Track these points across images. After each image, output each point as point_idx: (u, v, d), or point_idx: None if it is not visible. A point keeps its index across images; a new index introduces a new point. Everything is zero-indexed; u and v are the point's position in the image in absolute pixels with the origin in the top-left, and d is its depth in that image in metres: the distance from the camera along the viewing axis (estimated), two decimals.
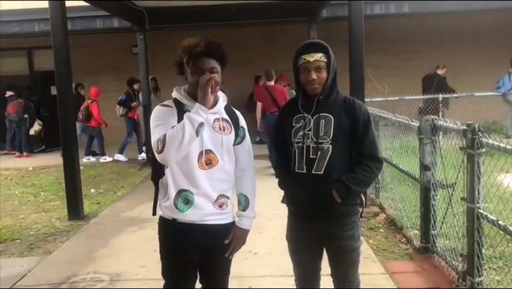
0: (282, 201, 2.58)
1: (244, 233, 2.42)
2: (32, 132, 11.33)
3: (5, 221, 5.96)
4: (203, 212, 2.26)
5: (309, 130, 2.35)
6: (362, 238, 2.53)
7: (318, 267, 2.58)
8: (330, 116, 2.33)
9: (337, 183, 2.29)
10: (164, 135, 2.08)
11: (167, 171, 2.25)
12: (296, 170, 2.39)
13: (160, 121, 2.19)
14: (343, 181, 2.29)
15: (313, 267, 2.57)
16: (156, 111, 2.25)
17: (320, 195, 2.32)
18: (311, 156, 2.34)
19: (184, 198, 2.23)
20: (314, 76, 2.31)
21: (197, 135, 2.11)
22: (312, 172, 2.34)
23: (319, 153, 2.32)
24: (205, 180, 2.24)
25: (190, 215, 2.25)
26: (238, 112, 2.44)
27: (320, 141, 2.32)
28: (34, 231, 5.54)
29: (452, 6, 10.63)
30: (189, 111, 2.14)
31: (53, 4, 5.83)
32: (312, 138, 2.33)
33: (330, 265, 2.52)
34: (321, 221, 2.40)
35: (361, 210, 2.48)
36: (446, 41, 12.00)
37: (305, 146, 2.35)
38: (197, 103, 2.12)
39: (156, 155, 2.11)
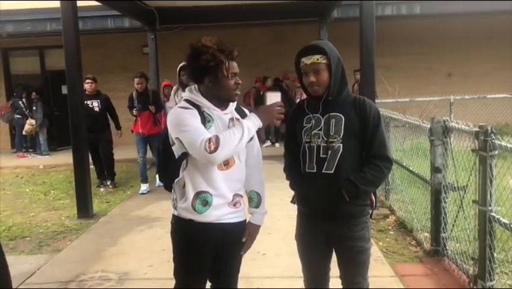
0: (292, 201, 2.56)
1: (257, 229, 2.45)
2: (23, 132, 11.18)
3: (16, 219, 6.01)
4: (220, 212, 2.27)
5: (320, 129, 2.33)
6: (372, 240, 2.49)
7: (327, 267, 2.56)
8: (341, 115, 2.31)
9: (345, 182, 2.27)
10: (217, 137, 2.08)
11: (184, 173, 2.25)
12: (306, 170, 2.36)
13: (194, 122, 2.15)
14: (351, 180, 2.27)
15: (322, 268, 2.54)
16: (182, 112, 2.19)
17: (329, 195, 2.30)
18: (321, 156, 2.32)
19: (203, 200, 2.23)
20: (312, 78, 2.30)
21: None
22: (323, 171, 2.31)
23: (329, 152, 2.30)
24: (222, 181, 2.25)
25: (207, 216, 2.24)
26: (247, 111, 2.43)
27: (331, 140, 2.30)
28: (43, 229, 5.58)
29: (464, 8, 10.55)
30: (206, 112, 2.20)
31: (64, 4, 5.87)
32: (322, 138, 2.32)
33: (339, 266, 2.50)
34: (331, 220, 2.38)
35: (370, 211, 2.45)
36: (458, 42, 11.89)
37: (315, 145, 2.33)
38: (252, 114, 2.22)
39: (205, 155, 2.07)
